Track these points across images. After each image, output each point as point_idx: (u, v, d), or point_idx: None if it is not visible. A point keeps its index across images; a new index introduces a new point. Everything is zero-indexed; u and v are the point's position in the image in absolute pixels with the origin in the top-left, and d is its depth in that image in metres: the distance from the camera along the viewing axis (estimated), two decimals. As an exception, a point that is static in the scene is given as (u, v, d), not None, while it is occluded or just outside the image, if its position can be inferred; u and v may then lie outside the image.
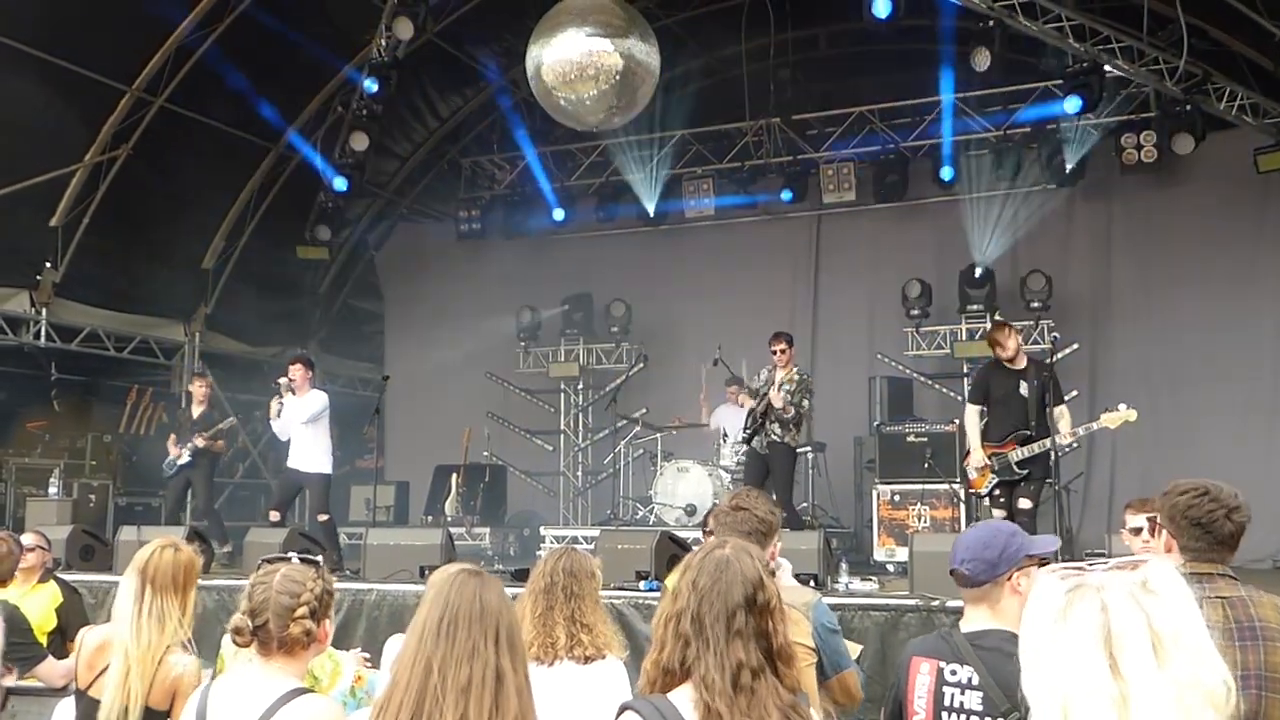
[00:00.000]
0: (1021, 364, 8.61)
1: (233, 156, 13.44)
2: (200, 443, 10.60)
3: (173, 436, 10.97)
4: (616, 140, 14.18)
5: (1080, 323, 12.51)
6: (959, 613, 3.31)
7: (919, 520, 10.68)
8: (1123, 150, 12.34)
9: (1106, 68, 11.15)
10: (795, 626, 3.31)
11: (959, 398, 12.93)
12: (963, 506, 10.70)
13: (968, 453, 8.82)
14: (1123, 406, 7.99)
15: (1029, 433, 8.37)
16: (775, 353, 9.96)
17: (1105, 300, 12.84)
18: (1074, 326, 12.22)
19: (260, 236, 14.12)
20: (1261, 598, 2.92)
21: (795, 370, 10.08)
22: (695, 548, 2.76)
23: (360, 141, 12.63)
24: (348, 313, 16.37)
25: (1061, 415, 8.36)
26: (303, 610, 2.94)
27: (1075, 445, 8.72)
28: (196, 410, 10.98)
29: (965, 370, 13.06)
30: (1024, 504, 8.36)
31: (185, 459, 10.68)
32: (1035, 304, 12.53)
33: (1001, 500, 8.50)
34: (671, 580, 2.70)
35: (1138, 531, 5.51)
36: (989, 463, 8.51)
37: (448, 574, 2.53)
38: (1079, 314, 12.69)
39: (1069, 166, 12.71)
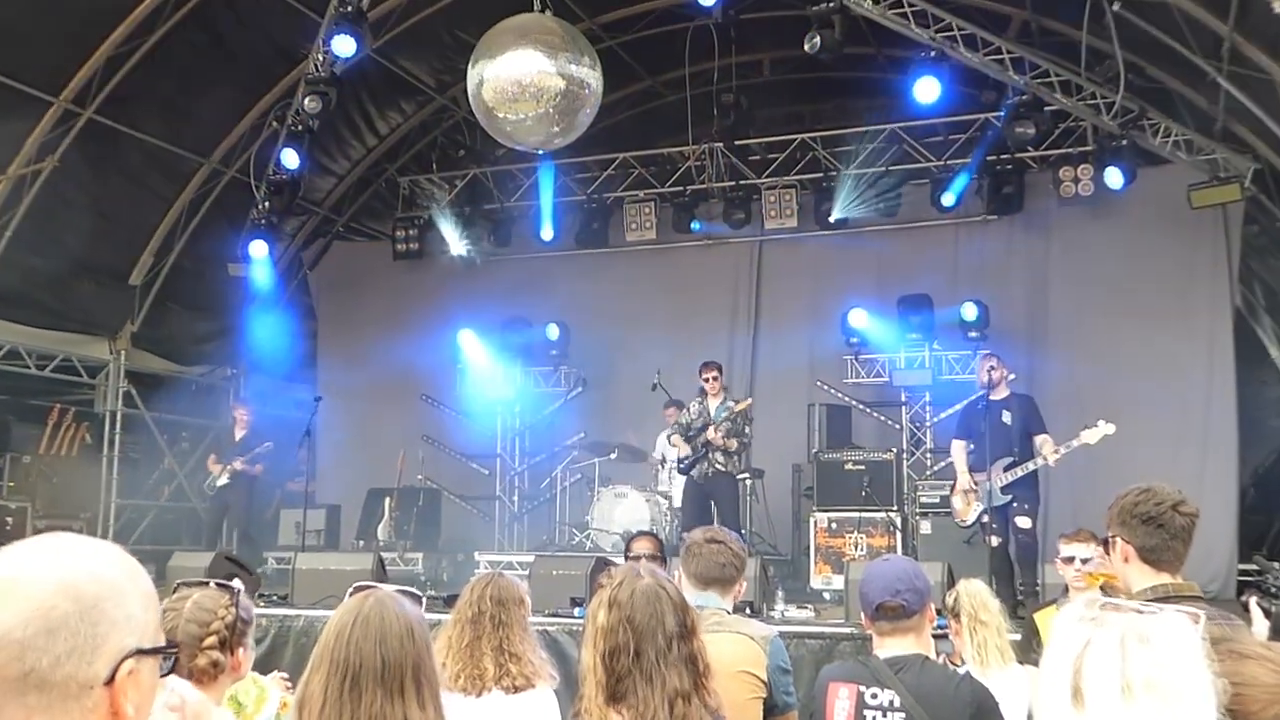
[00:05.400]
0: (1003, 394, 9.19)
1: (163, 170, 13.27)
2: (239, 465, 11.66)
3: (213, 456, 12.11)
4: (557, 161, 14.19)
5: (1017, 352, 12.44)
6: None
7: (856, 548, 10.81)
8: (1060, 183, 12.56)
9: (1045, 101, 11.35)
10: (751, 658, 3.40)
11: (896, 426, 13.18)
12: (899, 534, 10.87)
13: (954, 486, 9.48)
14: (1101, 422, 8.44)
15: (1012, 459, 8.86)
16: (706, 381, 10.42)
17: (1042, 330, 13.02)
18: (1010, 356, 12.07)
19: (190, 253, 13.94)
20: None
21: (729, 399, 10.43)
22: (610, 577, 2.75)
23: (292, 160, 12.49)
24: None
25: (1044, 442, 8.79)
26: (211, 640, 2.87)
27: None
28: (239, 434, 12.02)
29: (903, 399, 13.25)
30: (1023, 522, 8.78)
31: (224, 480, 11.75)
32: (973, 333, 12.69)
33: (994, 527, 8.92)
34: (594, 609, 2.68)
35: (1070, 560, 5.63)
36: (974, 488, 9.05)
37: (347, 617, 2.47)
38: (1015, 343, 12.71)
39: (999, 198, 13.10)
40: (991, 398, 9.22)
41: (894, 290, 13.10)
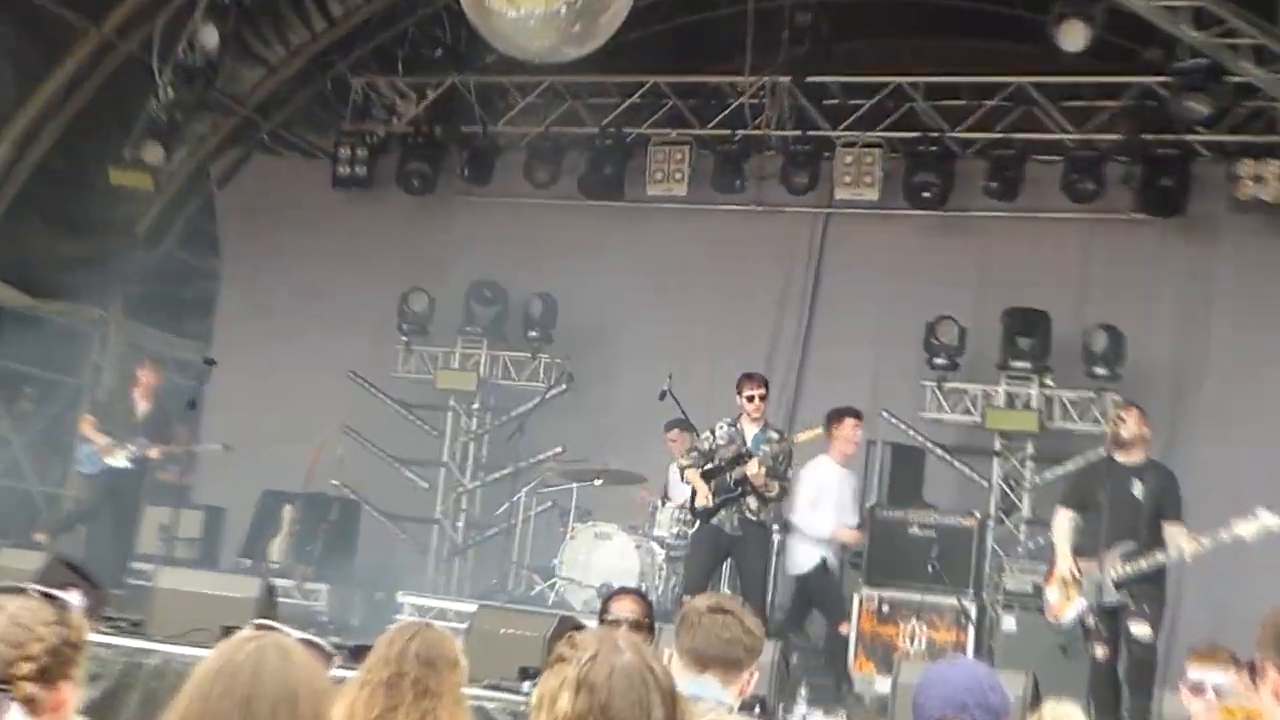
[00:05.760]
0: (1137, 459, 9.11)
1: (37, 36, 13.17)
2: (155, 454, 12.36)
3: (91, 419, 12.61)
4: (565, 78, 14.14)
5: (1157, 402, 12.02)
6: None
7: (912, 641, 10.84)
8: (1237, 180, 12.39)
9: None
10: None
11: (985, 483, 13.16)
12: (971, 630, 10.80)
13: (1050, 571, 9.30)
14: (1262, 511, 8.33)
15: (1135, 546, 8.77)
16: (750, 400, 10.49)
17: (1195, 373, 12.95)
18: (1148, 404, 11.88)
19: (63, 150, 13.83)
20: None
21: (772, 430, 10.52)
22: (575, 647, 2.66)
23: (210, 38, 12.44)
24: (171, 267, 15.95)
25: (1177, 533, 8.67)
26: (27, 668, 2.83)
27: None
28: (141, 407, 12.55)
29: (998, 447, 13.18)
30: (1141, 631, 8.68)
31: (121, 462, 12.18)
32: (1100, 370, 12.60)
33: (1101, 634, 8.83)
34: (550, 691, 2.58)
35: (1200, 690, 5.57)
36: (1077, 578, 8.91)
37: (214, 663, 2.45)
38: (1157, 388, 12.67)
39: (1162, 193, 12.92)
40: (1120, 460, 9.15)
41: (999, 299, 13.10)
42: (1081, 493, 9.37)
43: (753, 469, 10.17)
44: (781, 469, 10.44)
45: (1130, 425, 9.14)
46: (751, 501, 10.32)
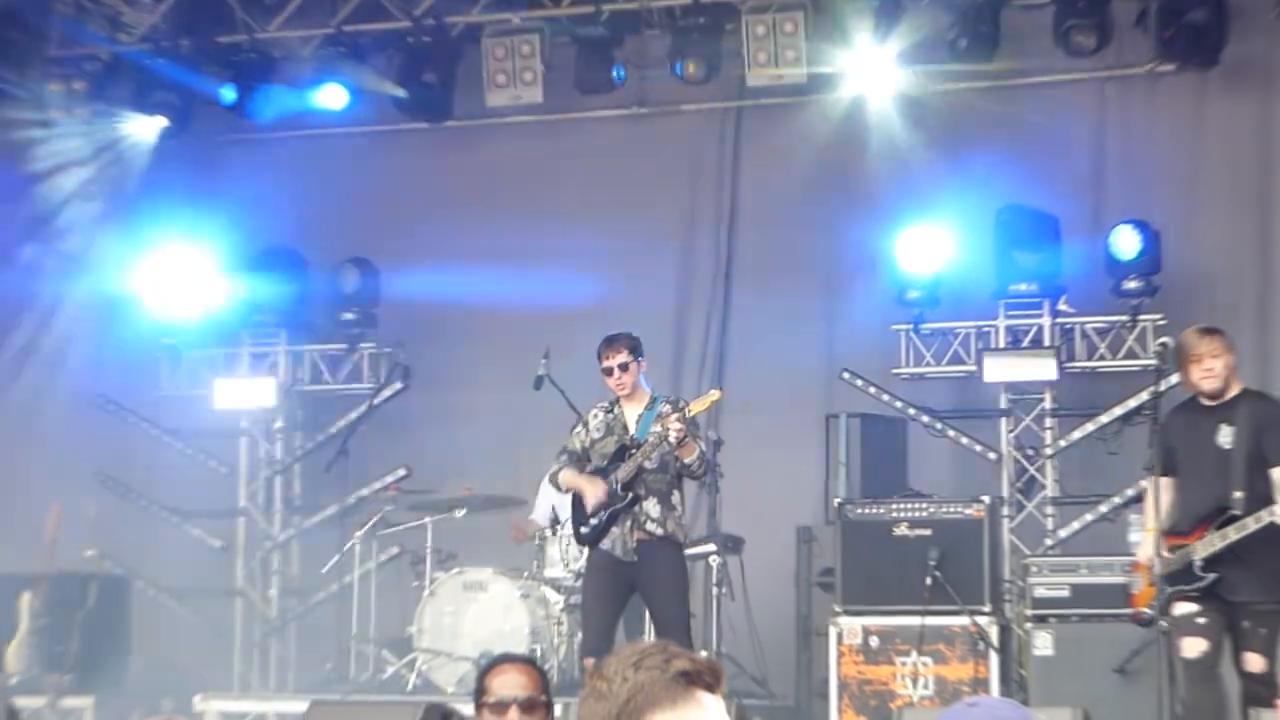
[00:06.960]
0: (1227, 396, 8.68)
1: None
2: None
3: None
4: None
5: (1209, 314, 10.80)
6: None
7: (914, 683, 10.01)
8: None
9: None
10: None
11: (992, 455, 12.10)
12: (994, 658, 9.91)
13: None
14: None
15: (1234, 510, 8.24)
16: (609, 374, 9.46)
17: (1270, 275, 11.93)
18: (1195, 322, 10.42)
19: None
20: None
21: (662, 404, 9.49)
22: None
23: None
24: None
25: None
26: None
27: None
28: None
29: (1004, 404, 12.09)
30: (1253, 663, 8.13)
31: None
32: (1131, 281, 11.48)
33: (1198, 622, 8.24)
34: None
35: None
36: (1164, 559, 8.29)
37: None
38: (1212, 300, 11.68)
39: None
40: (1206, 403, 8.59)
41: (988, 201, 11.86)
42: (1166, 446, 8.70)
43: (636, 465, 9.08)
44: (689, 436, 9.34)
45: (1201, 361, 8.46)
46: (651, 508, 9.13)
